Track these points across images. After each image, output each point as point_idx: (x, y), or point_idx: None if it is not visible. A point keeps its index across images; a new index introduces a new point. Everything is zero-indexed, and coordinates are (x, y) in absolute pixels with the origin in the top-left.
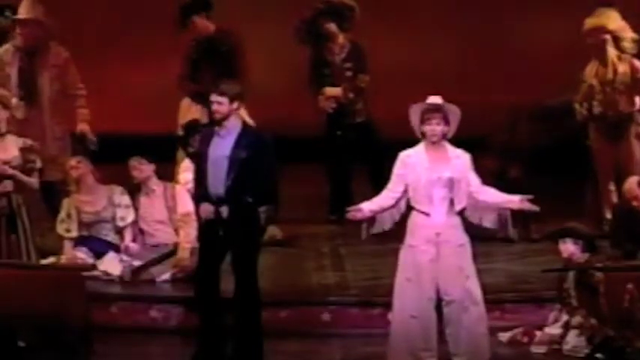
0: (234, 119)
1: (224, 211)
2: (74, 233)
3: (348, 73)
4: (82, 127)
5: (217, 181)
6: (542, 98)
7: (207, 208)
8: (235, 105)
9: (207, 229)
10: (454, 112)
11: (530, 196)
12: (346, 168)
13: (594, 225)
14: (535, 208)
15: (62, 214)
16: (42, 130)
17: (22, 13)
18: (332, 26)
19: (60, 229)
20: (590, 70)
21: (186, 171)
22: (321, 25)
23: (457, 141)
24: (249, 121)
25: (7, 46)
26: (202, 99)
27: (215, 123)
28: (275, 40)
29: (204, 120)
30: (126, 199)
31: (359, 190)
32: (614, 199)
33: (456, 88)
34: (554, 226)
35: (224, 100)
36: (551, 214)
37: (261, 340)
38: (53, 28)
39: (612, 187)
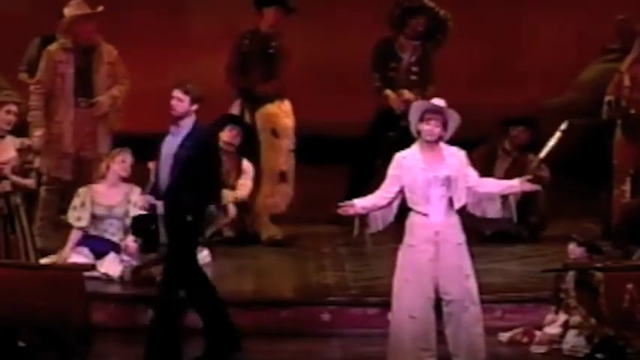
0: (188, 120)
1: (159, 206)
2: (84, 223)
3: (413, 77)
4: (101, 97)
5: (164, 178)
6: (542, 98)
7: (143, 199)
8: (194, 107)
9: (142, 220)
10: (454, 118)
11: (529, 177)
12: (374, 171)
13: (605, 224)
14: (536, 187)
15: (76, 202)
16: (94, 129)
17: (83, 9)
18: (421, 24)
19: (71, 216)
20: (626, 63)
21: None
22: (411, 17)
23: (458, 141)
24: (291, 119)
25: (56, 46)
26: (248, 94)
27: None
28: None
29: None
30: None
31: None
32: (626, 198)
33: (460, 89)
34: (556, 224)
35: (185, 98)
36: (565, 212)
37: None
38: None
39: (627, 186)
